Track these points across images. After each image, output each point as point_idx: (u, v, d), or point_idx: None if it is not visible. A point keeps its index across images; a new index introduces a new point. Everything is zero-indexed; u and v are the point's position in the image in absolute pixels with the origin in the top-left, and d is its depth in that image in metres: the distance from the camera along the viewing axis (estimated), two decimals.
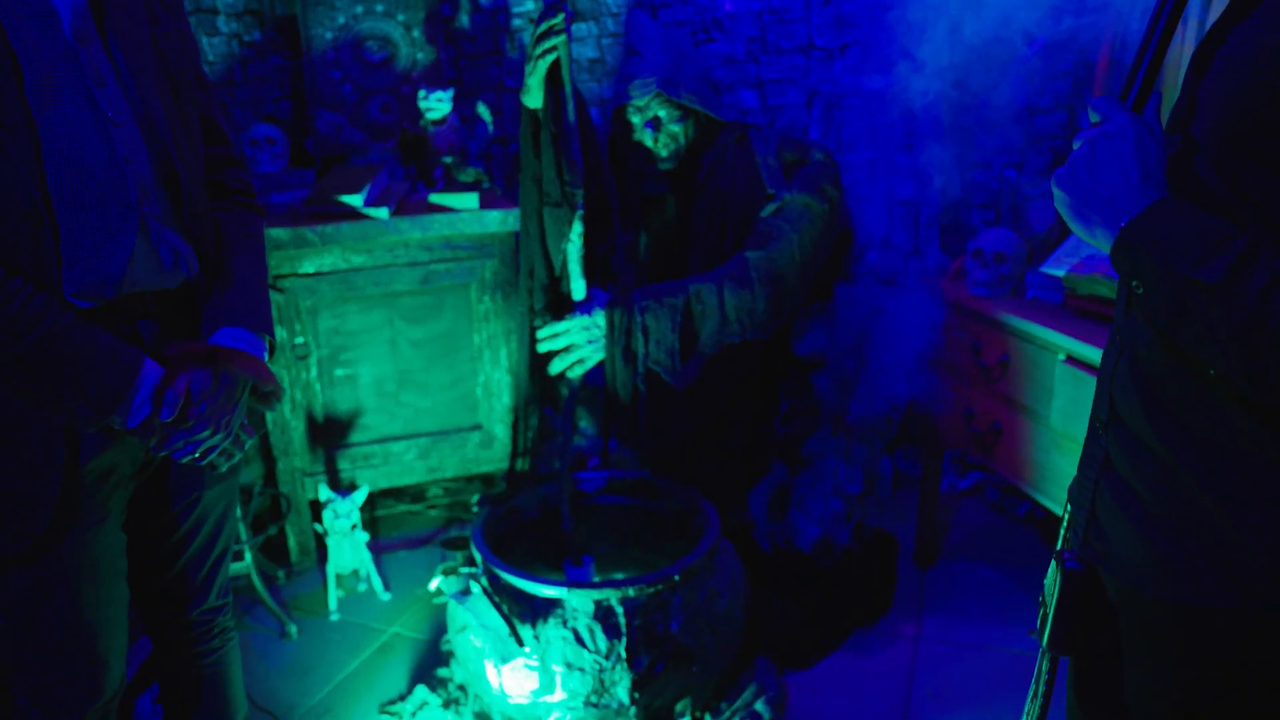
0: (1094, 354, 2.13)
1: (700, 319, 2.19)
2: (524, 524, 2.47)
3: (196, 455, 1.32)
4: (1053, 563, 1.15)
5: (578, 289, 2.24)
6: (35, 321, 1.15)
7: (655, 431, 2.25)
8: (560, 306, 2.27)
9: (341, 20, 3.34)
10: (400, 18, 3.40)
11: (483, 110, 3.04)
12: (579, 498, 2.45)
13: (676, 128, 2.34)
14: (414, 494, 3.40)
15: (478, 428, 3.08)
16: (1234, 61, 0.93)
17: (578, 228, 2.16)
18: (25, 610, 1.28)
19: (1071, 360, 2.21)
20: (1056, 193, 1.02)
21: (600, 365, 2.26)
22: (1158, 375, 1.01)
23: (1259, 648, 0.96)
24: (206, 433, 1.30)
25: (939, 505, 2.99)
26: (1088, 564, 1.11)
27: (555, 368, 2.28)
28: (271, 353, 1.47)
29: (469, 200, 2.85)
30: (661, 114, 2.32)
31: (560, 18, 1.95)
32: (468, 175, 3.00)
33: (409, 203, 2.98)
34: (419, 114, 3.11)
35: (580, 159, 2.11)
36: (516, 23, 3.53)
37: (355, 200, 2.79)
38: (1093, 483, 1.11)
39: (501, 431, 3.08)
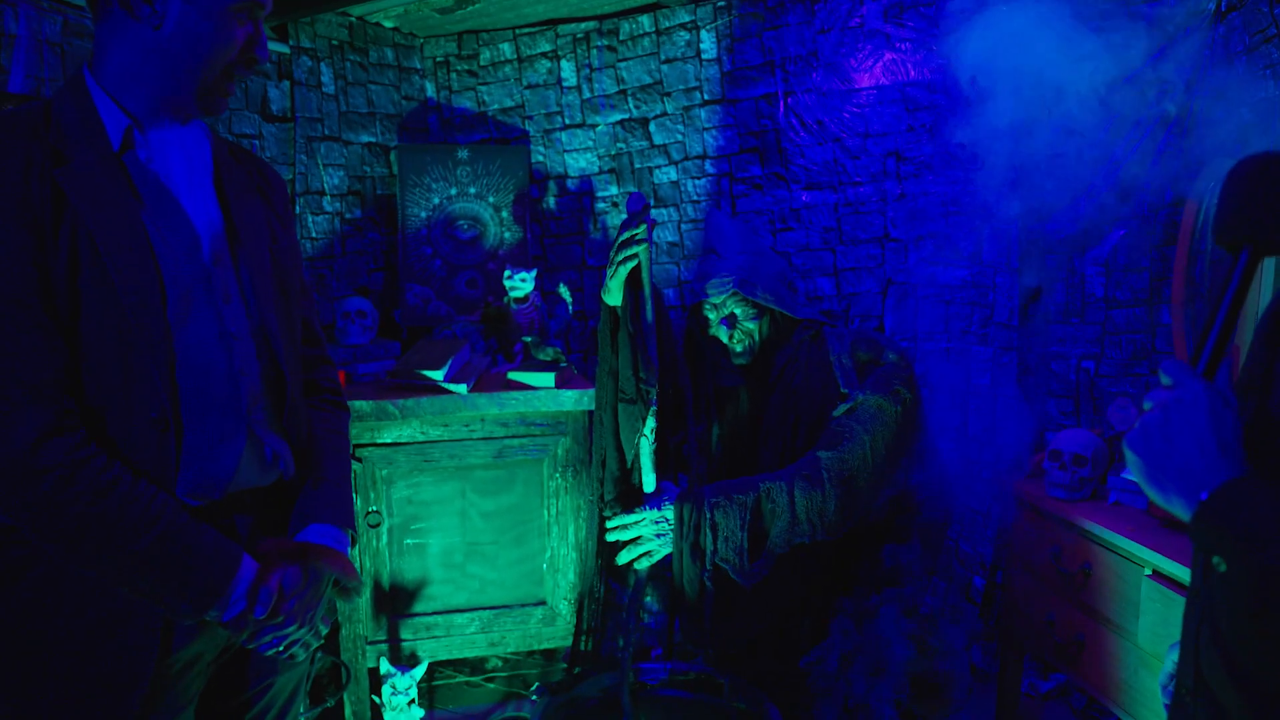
0: (1182, 572, 2.04)
1: (770, 518, 2.17)
2: (584, 711, 2.41)
3: (280, 649, 1.37)
4: None
5: (649, 482, 2.25)
6: (155, 521, 1.23)
7: (720, 629, 2.20)
8: (630, 498, 2.28)
9: (436, 201, 3.56)
10: (491, 199, 3.60)
11: (564, 291, 3.16)
12: (640, 689, 2.39)
13: (752, 325, 2.40)
14: (473, 665, 3.36)
15: (542, 603, 3.06)
16: None
17: (651, 423, 2.20)
18: None
19: (1158, 575, 2.13)
20: (1129, 455, 1.00)
21: (668, 557, 2.25)
22: (1243, 649, 0.96)
23: None
24: (293, 627, 1.35)
25: (1019, 709, 2.83)
26: None
27: (623, 559, 2.27)
28: (353, 545, 1.52)
29: (546, 379, 2.93)
30: (738, 311, 2.39)
31: (643, 228, 2.05)
32: (546, 354, 3.09)
33: (488, 377, 3.07)
34: (503, 290, 3.24)
35: (656, 357, 2.17)
36: (600, 205, 3.71)
37: (437, 375, 2.89)
38: None
39: (565, 608, 3.05)
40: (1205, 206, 2.76)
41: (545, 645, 3.10)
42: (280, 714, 1.57)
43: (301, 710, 2.56)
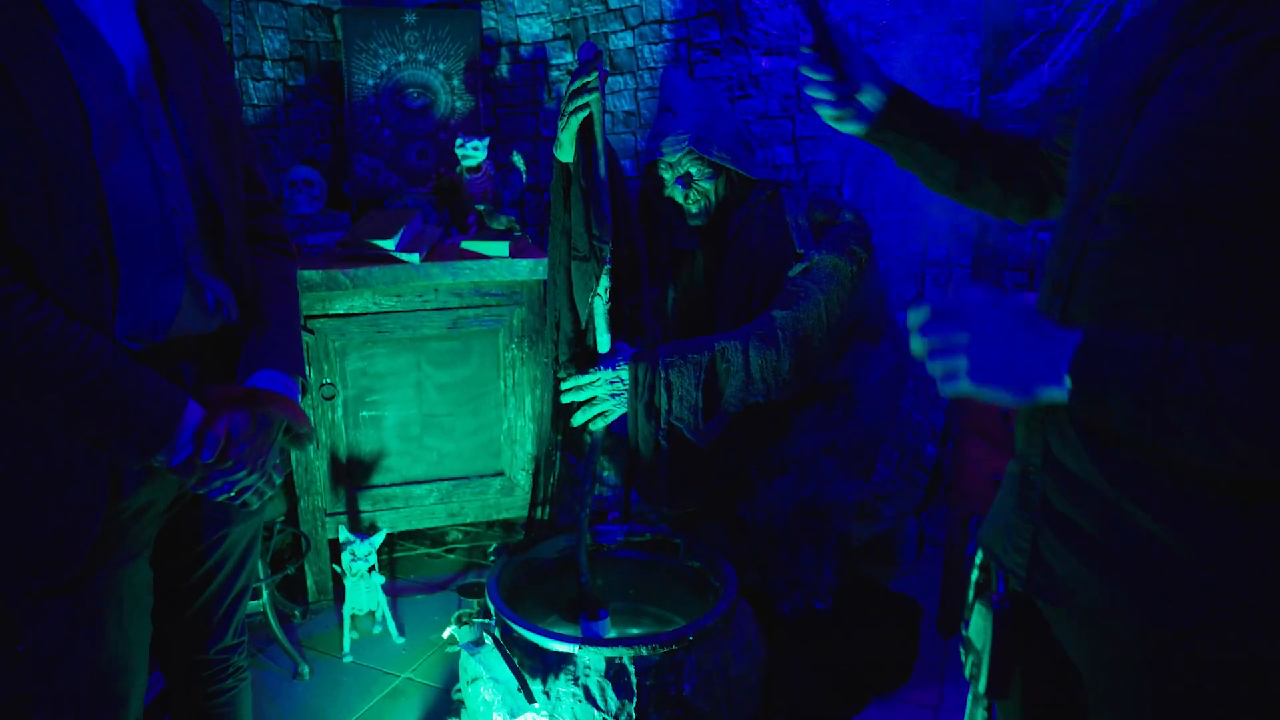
0: None
1: (725, 377, 2.17)
2: (541, 575, 2.45)
3: (232, 494, 1.35)
4: (978, 607, 1.16)
5: (603, 343, 2.24)
6: (92, 362, 1.19)
7: (676, 488, 2.23)
8: (585, 359, 2.27)
9: (384, 68, 3.42)
10: (441, 66, 3.47)
11: (517, 159, 3.08)
12: (597, 551, 2.43)
13: (707, 185, 2.36)
14: (433, 537, 3.39)
15: (500, 474, 3.07)
16: (1194, 100, 0.93)
17: (605, 282, 2.17)
18: (55, 645, 1.29)
19: None
20: (966, 385, 0.99)
21: (623, 418, 2.25)
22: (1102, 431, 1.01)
23: (1218, 661, 0.96)
24: (243, 473, 1.33)
25: (965, 571, 2.93)
26: (1016, 604, 1.13)
27: (578, 420, 2.27)
28: (304, 394, 1.51)
29: (500, 248, 2.88)
30: (693, 171, 2.34)
31: (594, 75, 1.97)
32: (500, 223, 3.03)
33: (441, 248, 3.01)
34: (455, 161, 3.15)
35: (610, 215, 2.13)
36: (555, 74, 3.59)
37: (388, 244, 2.82)
38: (1031, 523, 1.11)
39: (523, 479, 3.07)
40: None
41: (504, 515, 3.13)
42: (237, 565, 1.56)
43: (262, 573, 2.58)
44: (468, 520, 3.12)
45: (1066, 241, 1.07)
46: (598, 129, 2.06)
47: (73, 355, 1.18)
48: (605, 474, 2.72)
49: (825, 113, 1.33)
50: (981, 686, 1.16)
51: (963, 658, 1.21)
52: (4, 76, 1.13)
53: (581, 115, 2.01)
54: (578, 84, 1.97)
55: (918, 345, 1.03)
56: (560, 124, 2.06)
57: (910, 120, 1.34)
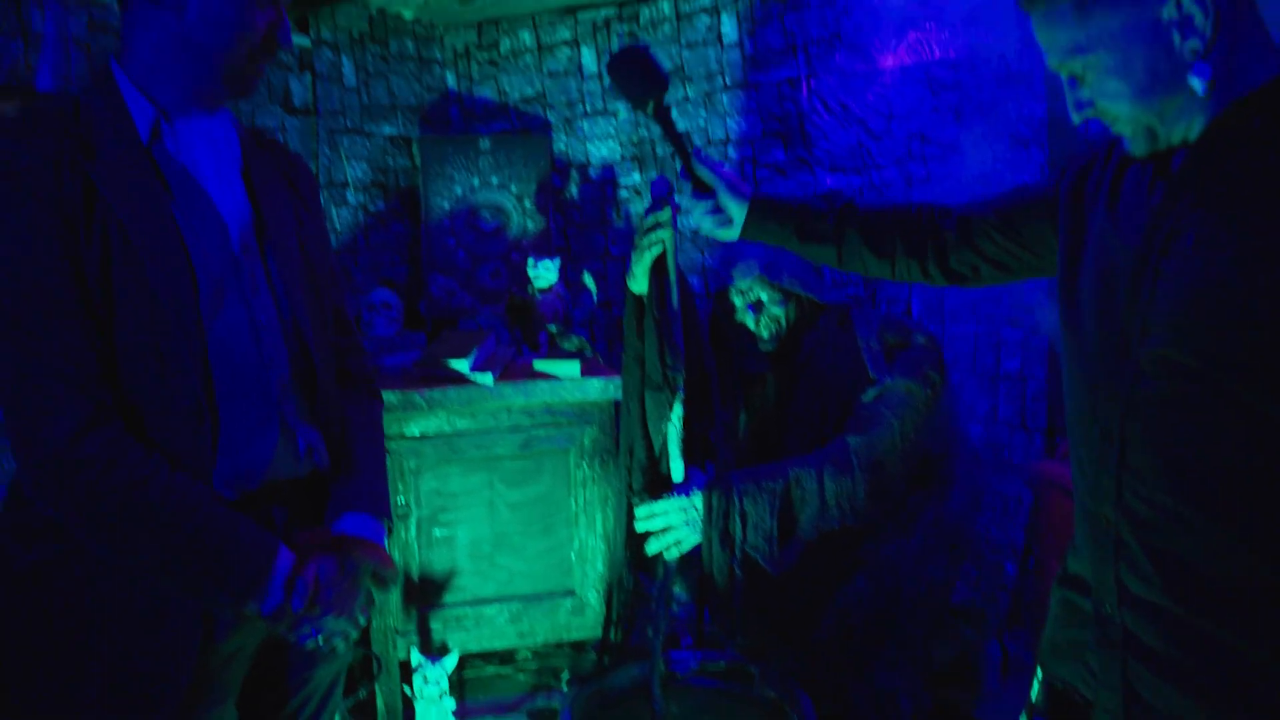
0: None
1: (799, 504, 2.15)
2: (613, 702, 2.40)
3: (319, 640, 1.37)
4: None
5: (676, 470, 2.24)
6: (192, 513, 1.23)
7: (751, 617, 2.19)
8: (658, 486, 2.27)
9: (459, 191, 3.55)
10: (513, 189, 3.59)
11: (588, 279, 3.15)
12: (670, 679, 2.38)
13: (778, 310, 2.38)
14: (503, 656, 3.36)
15: (570, 593, 3.05)
16: (1223, 268, 1.00)
17: (678, 410, 2.18)
18: None
19: None
20: None
21: (697, 547, 2.24)
22: (1171, 548, 1.07)
23: None
24: (331, 619, 1.35)
25: None
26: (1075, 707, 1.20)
27: (652, 548, 2.26)
28: (389, 534, 1.52)
29: (571, 368, 2.93)
30: (764, 296, 2.36)
31: (667, 213, 2.02)
32: (571, 343, 3.09)
33: (513, 367, 3.07)
34: (527, 280, 3.23)
35: (682, 343, 2.15)
36: (623, 194, 3.69)
37: (462, 365, 2.89)
38: (1119, 660, 1.13)
39: (594, 598, 3.05)
40: None
41: (574, 636, 3.10)
42: (319, 706, 1.56)
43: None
44: (538, 640, 3.09)
45: (1109, 390, 1.13)
46: (670, 262, 2.10)
47: (175, 505, 1.22)
48: (676, 590, 2.69)
49: (704, 224, 1.62)
50: None
51: None
52: (124, 239, 1.21)
53: (655, 251, 2.06)
54: (651, 220, 2.02)
55: None
56: (634, 257, 2.11)
57: (774, 218, 1.59)
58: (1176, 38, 1.02)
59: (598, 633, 3.03)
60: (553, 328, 3.14)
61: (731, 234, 1.63)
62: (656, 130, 3.59)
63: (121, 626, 1.26)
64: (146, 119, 1.29)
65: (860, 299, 3.25)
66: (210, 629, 1.31)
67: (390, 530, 1.51)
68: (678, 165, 1.68)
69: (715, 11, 3.42)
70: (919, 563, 2.35)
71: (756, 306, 2.37)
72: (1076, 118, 1.14)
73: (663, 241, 2.04)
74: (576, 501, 3.01)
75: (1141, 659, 1.10)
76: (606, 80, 3.62)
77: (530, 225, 3.61)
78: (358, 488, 1.48)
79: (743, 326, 2.41)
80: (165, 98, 1.30)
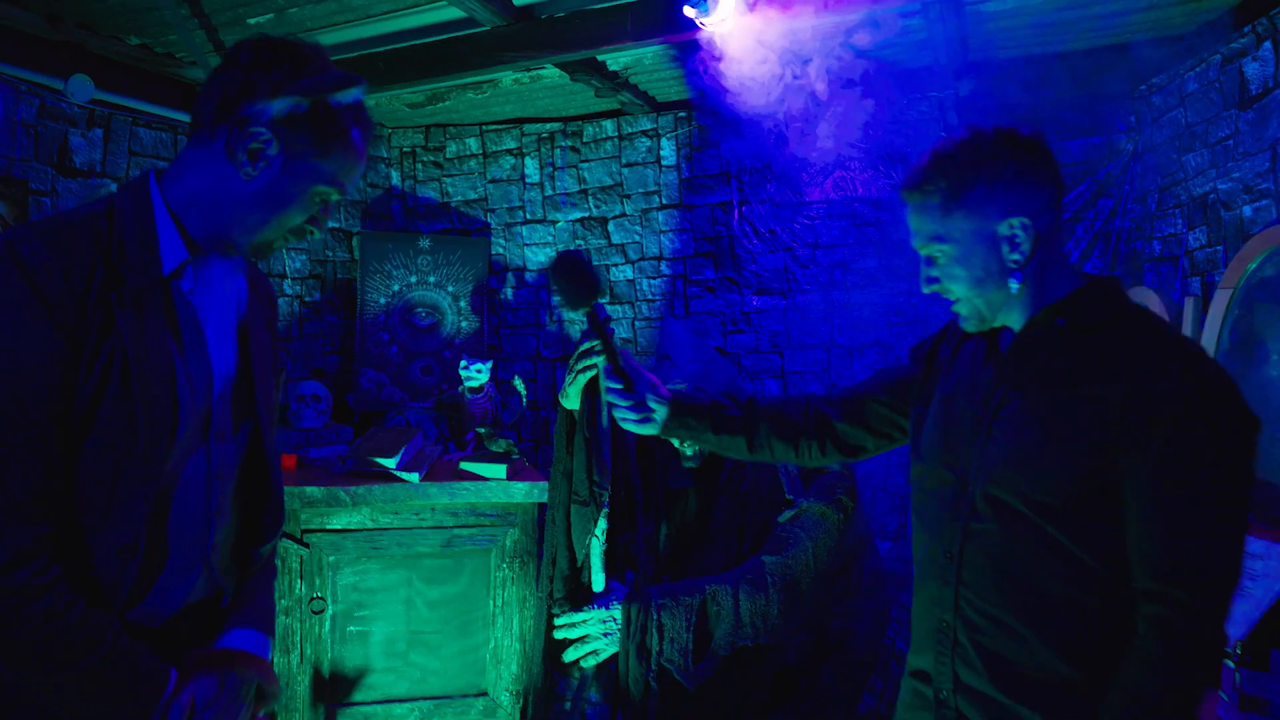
0: None
1: (715, 620, 2.22)
2: None
3: None
4: None
5: (598, 581, 2.30)
6: (95, 647, 1.24)
7: None
8: (579, 597, 2.32)
9: (396, 287, 3.62)
10: (450, 288, 3.68)
11: (519, 384, 3.23)
12: None
13: None
14: None
15: (483, 694, 3.04)
16: (1031, 432, 1.33)
17: (602, 525, 2.25)
18: None
19: None
20: None
21: (613, 656, 2.28)
22: (995, 647, 1.36)
23: None
24: None
25: None
26: None
27: (569, 656, 2.29)
28: (273, 650, 1.54)
29: (498, 470, 2.98)
30: None
31: (599, 341, 2.12)
32: (499, 445, 3.14)
33: (439, 466, 3.10)
34: (457, 377, 3.29)
35: (610, 461, 2.23)
36: (556, 299, 3.80)
37: (389, 463, 2.91)
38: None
39: (506, 700, 3.04)
40: None
41: None
42: None
43: None
44: None
45: (947, 517, 1.43)
46: (603, 384, 2.19)
47: (81, 641, 1.23)
48: (591, 693, 2.70)
49: (625, 417, 1.75)
50: None
51: None
52: (125, 379, 1.24)
53: (590, 374, 2.15)
54: (585, 346, 2.12)
55: None
56: (568, 378, 2.20)
57: (693, 417, 1.77)
58: (1006, 249, 1.36)
59: None
60: (482, 429, 3.19)
61: (652, 429, 1.77)
62: (594, 241, 3.73)
63: None
64: (175, 255, 1.32)
65: None
66: None
67: (273, 648, 1.52)
68: (605, 366, 1.82)
69: (655, 135, 3.61)
70: (832, 699, 2.43)
71: None
72: (925, 289, 1.45)
73: (595, 366, 2.14)
74: (495, 602, 3.02)
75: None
76: (547, 189, 3.77)
77: (464, 324, 3.69)
78: (247, 603, 1.50)
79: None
80: (195, 232, 1.34)
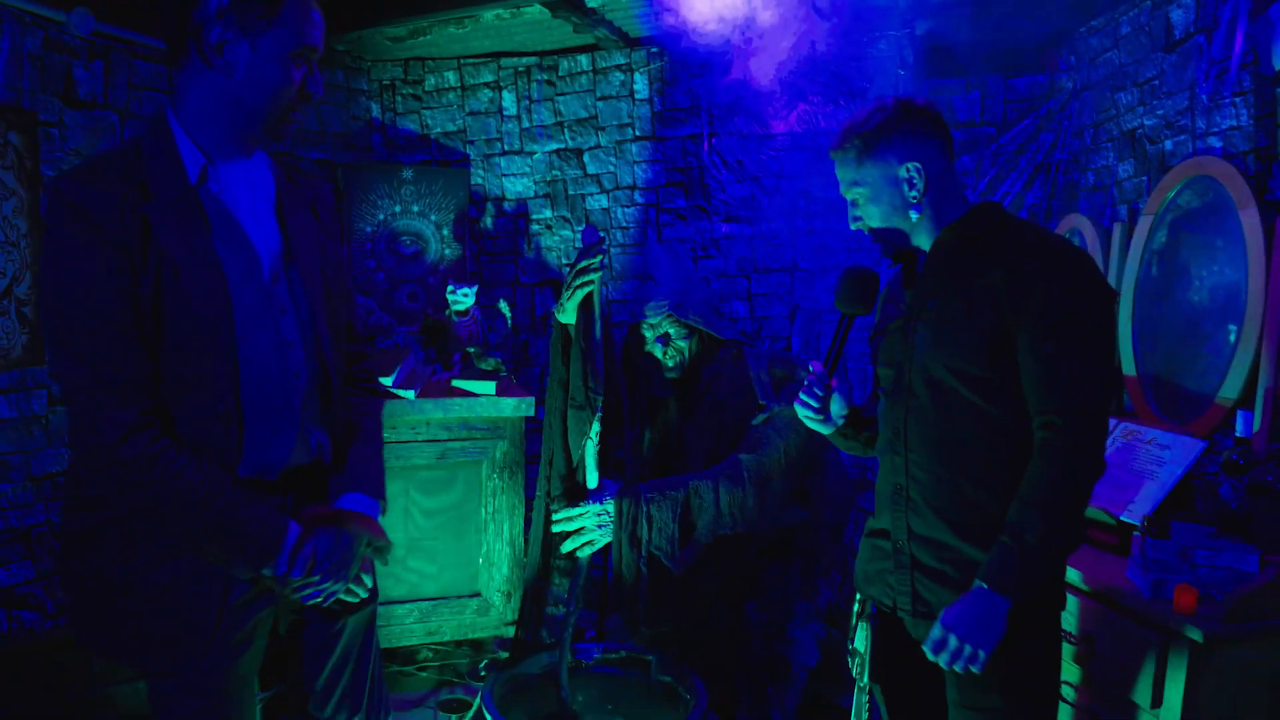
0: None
1: (698, 511, 2.50)
2: (526, 689, 2.68)
3: (321, 600, 1.61)
4: (860, 626, 1.87)
5: (592, 479, 2.55)
6: (217, 497, 1.48)
7: (653, 609, 2.51)
8: (575, 494, 2.57)
9: (381, 217, 3.78)
10: (433, 217, 3.84)
11: (504, 307, 3.43)
12: (576, 667, 2.68)
13: (683, 343, 2.73)
14: (404, 655, 3.56)
15: (476, 595, 3.30)
16: (943, 320, 1.69)
17: (596, 427, 2.50)
18: (178, 709, 1.55)
19: None
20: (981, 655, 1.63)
21: (607, 547, 2.55)
22: (938, 498, 1.72)
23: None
24: (329, 583, 1.59)
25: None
26: (884, 621, 1.82)
27: (567, 547, 2.56)
28: (384, 512, 1.76)
29: (488, 387, 3.20)
30: (671, 331, 2.71)
31: (598, 259, 2.35)
32: (488, 364, 3.36)
33: (431, 385, 3.31)
34: (443, 303, 3.48)
35: (603, 369, 2.48)
36: (534, 227, 3.99)
37: (386, 381, 3.11)
38: (909, 574, 1.77)
39: (498, 600, 3.31)
40: None
41: (478, 634, 3.34)
42: (363, 648, 1.79)
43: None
44: (445, 639, 3.32)
45: (894, 404, 1.78)
46: (596, 300, 2.43)
47: (203, 494, 1.47)
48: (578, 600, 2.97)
49: (806, 414, 1.91)
50: (865, 679, 1.85)
51: (849, 663, 1.90)
52: (174, 272, 1.45)
53: (587, 289, 2.38)
54: (584, 263, 2.35)
55: (944, 660, 1.63)
56: (565, 294, 2.42)
57: (859, 425, 1.95)
58: (905, 188, 1.70)
59: (499, 631, 3.29)
60: (471, 349, 3.40)
61: (826, 428, 1.93)
62: (569, 171, 3.92)
63: (158, 577, 1.51)
64: (196, 164, 1.51)
65: (748, 335, 3.64)
66: (226, 586, 1.54)
67: (384, 509, 1.76)
68: (823, 364, 1.89)
69: (629, 69, 3.78)
70: (790, 579, 2.73)
71: (664, 339, 2.71)
72: (852, 226, 1.81)
73: (591, 282, 2.37)
74: (486, 509, 3.27)
75: (922, 572, 1.74)
76: (524, 122, 3.93)
77: (448, 252, 3.87)
78: (356, 471, 1.71)
79: (651, 356, 2.75)
80: (211, 143, 1.52)
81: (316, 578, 1.56)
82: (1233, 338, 2.42)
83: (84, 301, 1.41)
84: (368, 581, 1.72)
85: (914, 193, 1.70)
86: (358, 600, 1.71)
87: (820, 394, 1.87)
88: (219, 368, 1.49)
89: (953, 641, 1.62)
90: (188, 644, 1.52)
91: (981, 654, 1.61)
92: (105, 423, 1.42)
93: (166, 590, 1.51)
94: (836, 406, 1.90)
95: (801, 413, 1.92)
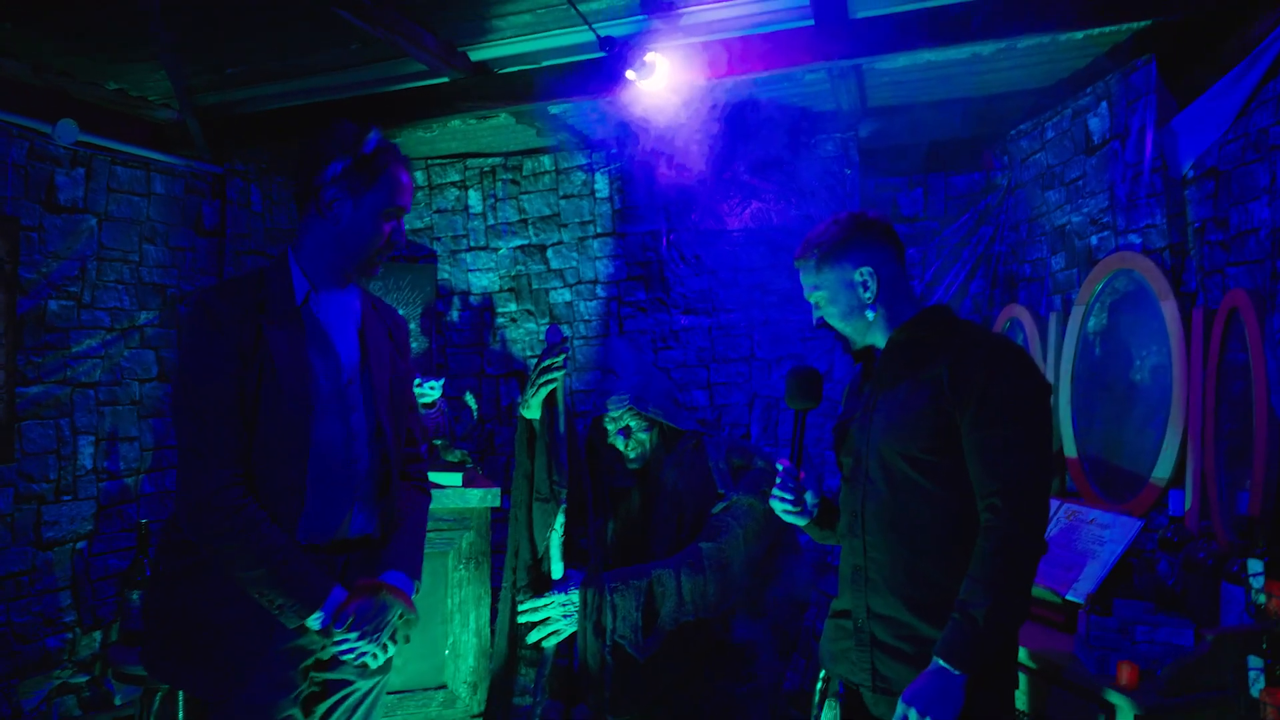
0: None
1: (661, 599, 2.56)
2: None
3: (352, 657, 1.91)
4: (828, 703, 1.96)
5: (557, 570, 2.61)
6: (279, 551, 1.80)
7: (618, 698, 2.55)
8: (540, 585, 2.63)
9: None
10: (401, 311, 3.94)
11: (470, 400, 3.52)
12: None
13: (644, 435, 2.82)
14: None
15: (443, 687, 3.30)
16: (895, 409, 1.84)
17: (560, 519, 2.57)
18: None
19: None
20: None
21: (572, 636, 2.60)
22: (895, 578, 1.83)
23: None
24: (363, 642, 1.89)
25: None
26: (849, 698, 1.92)
27: (533, 637, 2.60)
28: (417, 591, 2.03)
29: (454, 479, 3.25)
30: (632, 424, 2.81)
31: (561, 357, 2.47)
32: (454, 456, 3.42)
33: None
34: None
35: (567, 463, 2.56)
36: (500, 320, 4.11)
37: None
38: (868, 652, 1.87)
39: (464, 692, 3.30)
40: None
41: None
42: (367, 706, 2.05)
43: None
44: None
45: (853, 490, 1.92)
46: (560, 396, 2.53)
47: (269, 546, 1.79)
48: (544, 689, 2.99)
49: (783, 509, 2.04)
50: None
51: None
52: (273, 371, 1.82)
53: (550, 388, 2.48)
54: (547, 363, 2.46)
55: None
56: (529, 391, 2.52)
57: (832, 512, 2.08)
58: (860, 290, 1.88)
59: None
60: (438, 441, 3.47)
61: (801, 520, 2.05)
62: (534, 267, 4.05)
63: (223, 618, 1.82)
64: (302, 290, 1.91)
65: (708, 423, 3.75)
66: (277, 631, 1.83)
67: (418, 589, 2.03)
68: (789, 459, 2.03)
69: (590, 170, 3.96)
70: (753, 660, 2.79)
71: (626, 432, 2.81)
72: (816, 325, 2.00)
73: (556, 380, 2.48)
74: (452, 600, 3.29)
75: (881, 649, 1.84)
76: (490, 219, 4.08)
77: (415, 345, 3.96)
78: (401, 553, 2.02)
79: (613, 448, 2.84)
80: (316, 274, 1.93)
81: (354, 635, 1.86)
82: (1164, 419, 2.56)
83: (206, 382, 1.80)
84: (391, 650, 1.99)
85: (868, 294, 1.87)
86: (380, 664, 1.98)
87: (793, 487, 2.00)
88: (293, 450, 1.84)
89: (913, 716, 1.70)
90: (240, 675, 1.81)
91: None
92: (208, 477, 1.78)
93: (228, 629, 1.82)
94: (810, 496, 2.03)
95: (779, 508, 2.03)
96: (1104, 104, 2.88)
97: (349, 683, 2.01)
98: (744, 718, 2.77)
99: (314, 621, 1.82)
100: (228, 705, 1.83)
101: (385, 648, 1.96)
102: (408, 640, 2.04)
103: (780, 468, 2.00)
